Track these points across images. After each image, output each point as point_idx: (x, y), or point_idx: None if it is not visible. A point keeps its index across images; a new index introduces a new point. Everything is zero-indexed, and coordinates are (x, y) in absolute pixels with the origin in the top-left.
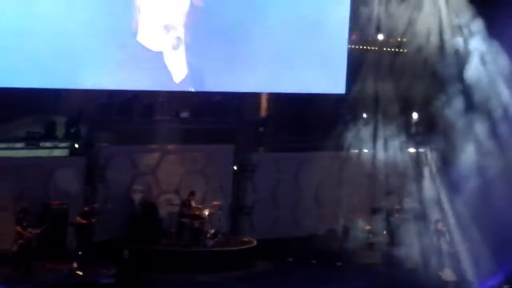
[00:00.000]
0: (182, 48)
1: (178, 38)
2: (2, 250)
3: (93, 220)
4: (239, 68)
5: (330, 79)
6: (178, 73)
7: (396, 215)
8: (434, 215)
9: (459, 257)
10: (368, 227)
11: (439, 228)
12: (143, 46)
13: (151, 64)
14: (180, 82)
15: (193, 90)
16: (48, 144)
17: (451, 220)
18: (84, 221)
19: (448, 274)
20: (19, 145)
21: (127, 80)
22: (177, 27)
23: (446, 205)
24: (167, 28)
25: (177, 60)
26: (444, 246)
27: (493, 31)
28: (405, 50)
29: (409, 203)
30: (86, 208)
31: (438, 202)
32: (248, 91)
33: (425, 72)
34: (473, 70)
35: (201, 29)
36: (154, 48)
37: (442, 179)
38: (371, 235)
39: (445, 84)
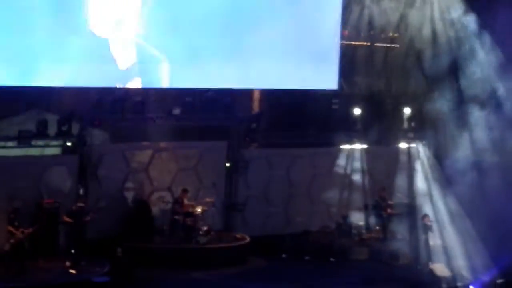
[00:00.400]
0: (129, 34)
1: (120, 21)
2: None
3: (86, 219)
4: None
5: (323, 75)
6: (123, 61)
7: (389, 211)
8: (425, 210)
9: (452, 251)
10: (361, 223)
11: (426, 222)
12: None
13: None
14: (126, 70)
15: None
16: (40, 142)
17: (444, 214)
18: (69, 220)
19: (440, 269)
20: (10, 143)
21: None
22: (120, 11)
23: (439, 200)
24: (113, 14)
25: (123, 47)
26: (432, 241)
27: (485, 24)
28: (397, 45)
29: (402, 198)
30: (73, 207)
31: (430, 196)
32: (240, 87)
33: (417, 67)
34: (466, 64)
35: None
36: (103, 35)
37: (435, 174)
38: (364, 231)
39: (438, 79)
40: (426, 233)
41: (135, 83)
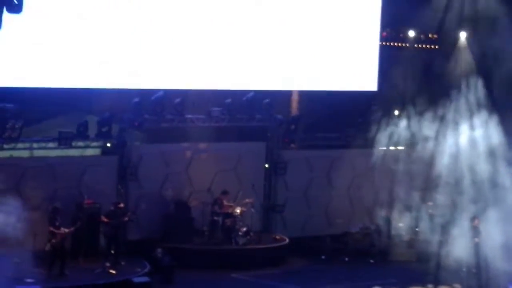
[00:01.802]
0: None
1: None
2: (36, 250)
3: (124, 219)
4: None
5: (362, 76)
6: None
7: (429, 212)
8: (470, 211)
9: (497, 254)
10: (401, 224)
11: (476, 224)
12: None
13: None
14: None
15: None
16: (80, 143)
17: (487, 215)
18: (107, 221)
19: (482, 271)
20: (51, 144)
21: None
22: None
23: (482, 200)
24: None
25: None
26: (480, 243)
27: None
28: (436, 47)
29: (443, 200)
30: (111, 208)
31: (472, 198)
32: (280, 89)
33: (456, 68)
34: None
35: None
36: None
37: (478, 174)
38: (403, 232)
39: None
40: (475, 236)
41: (174, 85)
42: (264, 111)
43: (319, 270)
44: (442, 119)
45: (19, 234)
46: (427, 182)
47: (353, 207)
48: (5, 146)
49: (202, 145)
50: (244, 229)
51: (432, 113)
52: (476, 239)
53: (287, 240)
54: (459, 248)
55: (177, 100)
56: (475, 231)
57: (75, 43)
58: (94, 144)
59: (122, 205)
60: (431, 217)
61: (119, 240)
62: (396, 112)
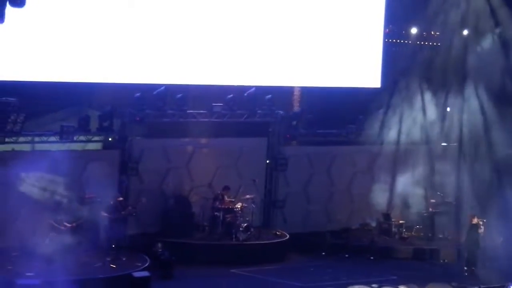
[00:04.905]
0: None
1: None
2: (36, 244)
3: (124, 213)
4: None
5: (365, 73)
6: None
7: (430, 209)
8: (469, 209)
9: (496, 251)
10: (401, 221)
11: (474, 222)
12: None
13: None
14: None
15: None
16: (82, 137)
17: (486, 213)
18: (106, 215)
19: (482, 269)
20: (53, 138)
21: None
22: None
23: (480, 199)
24: None
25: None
26: (480, 240)
27: None
28: (439, 44)
29: (444, 197)
30: (111, 202)
31: (473, 195)
32: (282, 85)
33: (458, 65)
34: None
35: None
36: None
37: (476, 173)
38: (404, 229)
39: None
40: (473, 233)
41: (176, 80)
42: (266, 107)
43: (319, 266)
44: (444, 115)
45: (19, 228)
46: (429, 179)
47: (354, 204)
48: (7, 139)
49: (203, 140)
50: (245, 224)
51: (435, 109)
52: (471, 236)
53: (288, 236)
54: (456, 244)
55: (179, 95)
56: (473, 228)
57: (78, 37)
58: (96, 138)
59: (121, 198)
60: (432, 214)
61: (120, 234)
62: (398, 109)
